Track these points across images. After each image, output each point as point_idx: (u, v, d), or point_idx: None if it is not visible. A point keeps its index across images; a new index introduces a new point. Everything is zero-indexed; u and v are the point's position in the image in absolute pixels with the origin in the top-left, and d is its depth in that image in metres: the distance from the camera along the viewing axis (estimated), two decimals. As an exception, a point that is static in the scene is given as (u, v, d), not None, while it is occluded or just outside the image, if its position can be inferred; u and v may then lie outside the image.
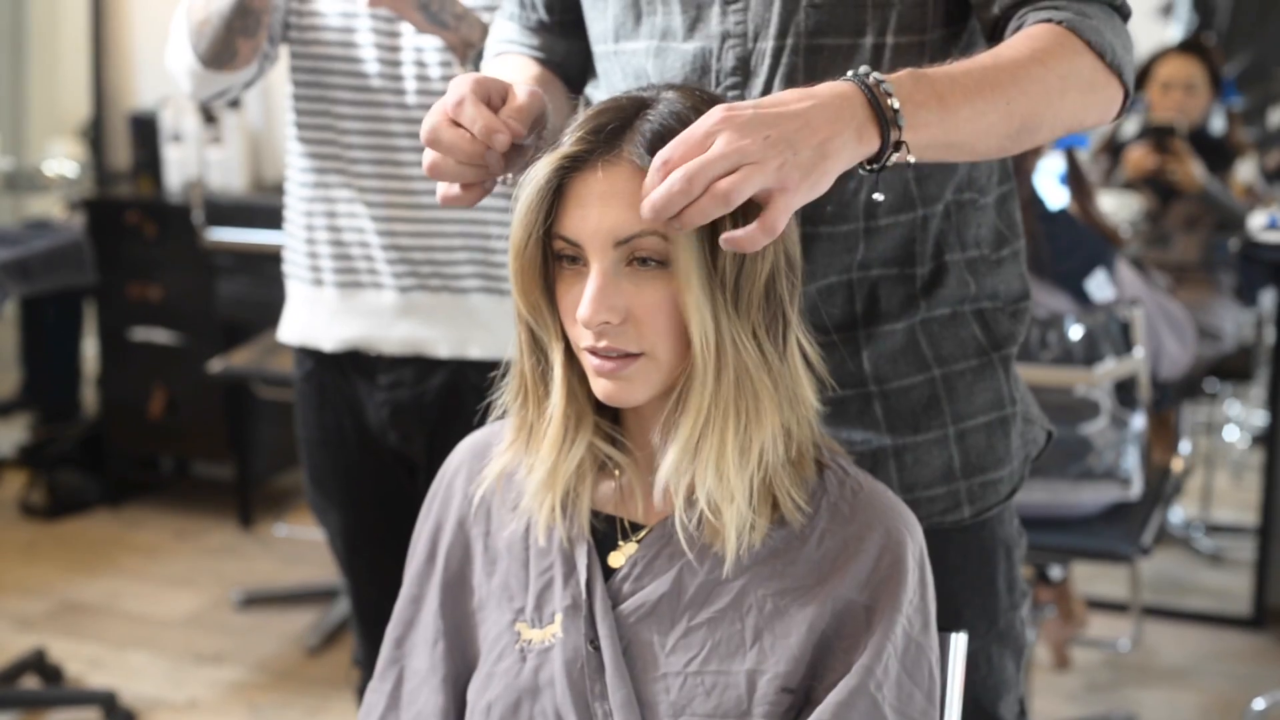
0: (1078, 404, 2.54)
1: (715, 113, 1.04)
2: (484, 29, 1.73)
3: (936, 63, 1.28)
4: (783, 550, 1.19)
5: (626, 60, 1.37)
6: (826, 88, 1.09)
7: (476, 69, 1.73)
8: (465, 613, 1.30)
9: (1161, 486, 2.69)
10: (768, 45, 1.29)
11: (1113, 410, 2.54)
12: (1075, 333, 2.58)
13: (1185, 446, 3.59)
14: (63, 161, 4.47)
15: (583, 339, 1.16)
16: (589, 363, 1.16)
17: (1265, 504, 3.40)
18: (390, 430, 1.92)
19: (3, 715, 2.94)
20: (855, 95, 1.08)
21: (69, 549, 3.93)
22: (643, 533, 1.23)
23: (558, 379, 1.20)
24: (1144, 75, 3.94)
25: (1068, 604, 3.05)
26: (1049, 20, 1.21)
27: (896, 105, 1.08)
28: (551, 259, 1.17)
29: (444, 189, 1.22)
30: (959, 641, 1.29)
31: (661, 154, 1.04)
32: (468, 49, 1.73)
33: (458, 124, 1.17)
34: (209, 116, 4.12)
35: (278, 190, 2.35)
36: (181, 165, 4.16)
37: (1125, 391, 2.62)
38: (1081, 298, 2.80)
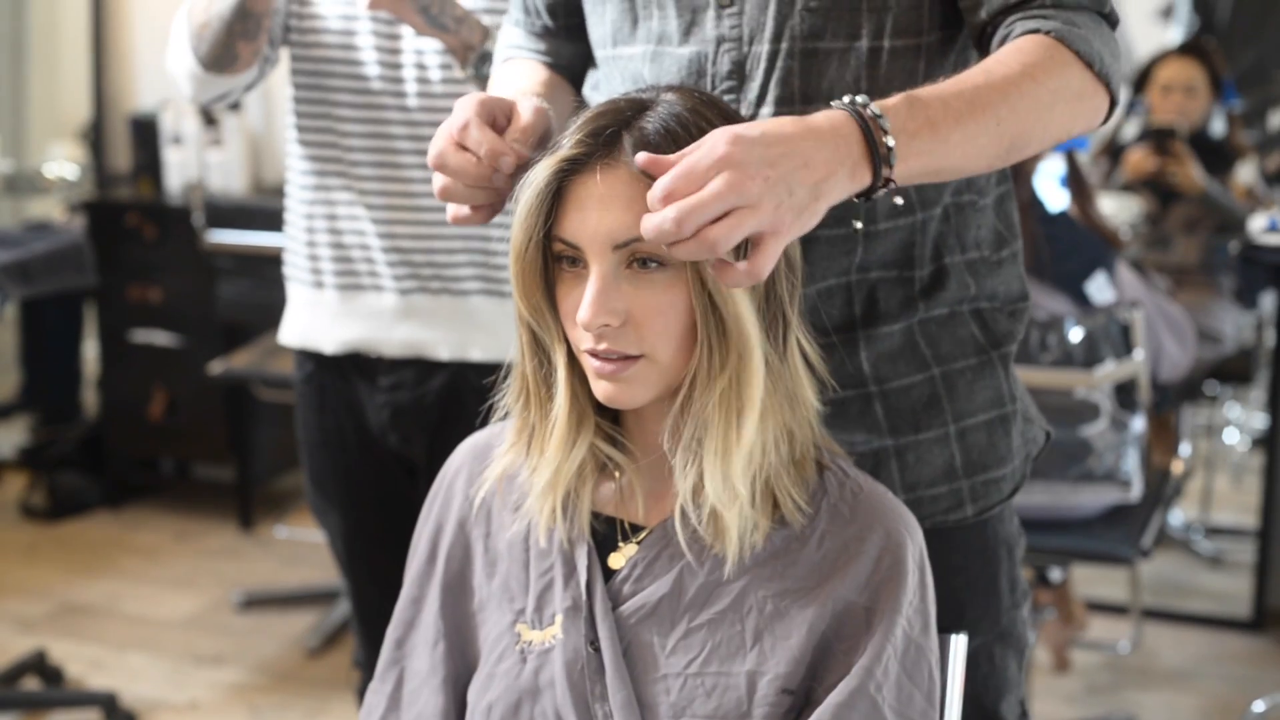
0: (1078, 406, 2.54)
1: (720, 144, 1.02)
2: (484, 32, 1.73)
3: (933, 65, 1.28)
4: (783, 552, 1.19)
5: (624, 65, 1.37)
6: (824, 119, 1.07)
7: (477, 72, 1.74)
8: (466, 614, 1.30)
9: (1161, 489, 2.69)
10: (763, 49, 1.29)
11: (1113, 412, 2.54)
12: (1075, 335, 2.59)
13: (1185, 449, 3.58)
14: (63, 164, 4.47)
15: (583, 341, 1.16)
16: (589, 365, 1.17)
17: (1265, 506, 3.40)
18: (391, 432, 1.92)
19: (3, 716, 2.94)
20: (851, 131, 1.07)
21: (69, 550, 3.93)
22: (643, 534, 1.23)
23: (561, 381, 1.20)
24: (1144, 78, 3.95)
25: (1067, 606, 3.05)
26: (1038, 30, 1.21)
27: (891, 144, 1.07)
28: (552, 261, 1.17)
29: (454, 210, 1.23)
30: (959, 643, 1.30)
31: (663, 182, 1.02)
32: (468, 51, 1.73)
33: (464, 148, 1.18)
34: (209, 119, 4.12)
35: (278, 192, 2.36)
36: (182, 167, 4.16)
37: (1125, 394, 2.62)
38: (1081, 300, 2.80)
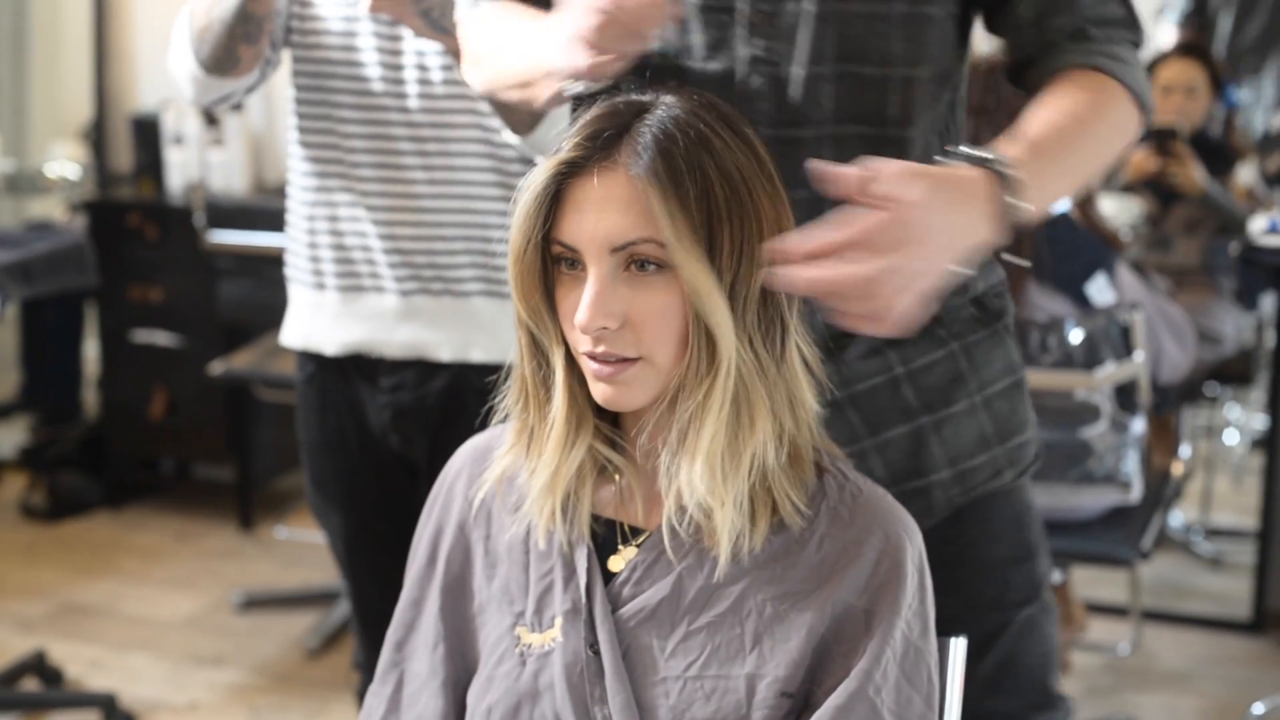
0: (1078, 408, 2.54)
1: (897, 223, 1.05)
2: None
3: (950, 91, 1.34)
4: (782, 554, 1.19)
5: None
6: (976, 186, 1.12)
7: None
8: (465, 616, 1.30)
9: (1161, 490, 2.69)
10: (800, 71, 1.30)
11: (1113, 414, 2.54)
12: (1075, 336, 2.59)
13: (1185, 450, 3.59)
14: (64, 163, 4.47)
15: (581, 344, 1.16)
16: (588, 367, 1.17)
17: (1265, 508, 3.39)
18: (392, 433, 1.92)
19: (3, 717, 2.94)
20: (991, 199, 1.13)
21: (69, 551, 3.93)
22: (642, 537, 1.23)
23: (559, 383, 1.20)
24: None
25: (1067, 608, 3.04)
26: (1090, 66, 1.28)
27: (1024, 209, 1.14)
28: (551, 264, 1.18)
29: (588, 59, 1.18)
30: (958, 646, 1.30)
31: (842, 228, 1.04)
32: None
33: None
34: (211, 119, 4.13)
35: (279, 192, 2.36)
36: (183, 167, 4.16)
37: (1125, 395, 2.62)
38: (1082, 301, 2.80)
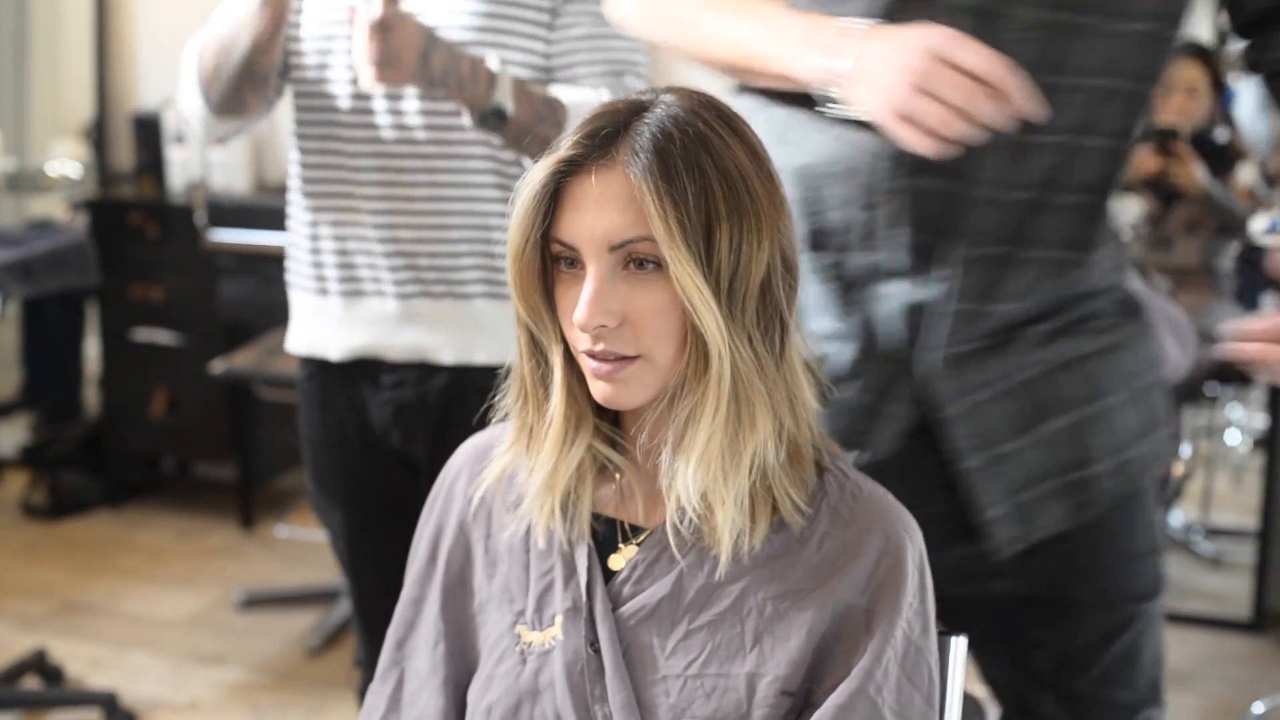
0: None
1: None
2: (490, 80, 1.71)
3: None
4: (782, 553, 1.19)
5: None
6: None
7: (485, 127, 1.73)
8: (466, 615, 1.30)
9: (1162, 490, 2.69)
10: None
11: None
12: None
13: (1186, 450, 3.59)
14: (65, 162, 4.47)
15: (580, 342, 1.16)
16: (587, 365, 1.17)
17: (1265, 507, 3.40)
18: (393, 430, 1.93)
19: (4, 716, 2.95)
20: None
21: (70, 549, 3.93)
22: (643, 535, 1.23)
23: (557, 381, 1.20)
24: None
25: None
26: None
27: None
28: (550, 262, 1.18)
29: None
30: (959, 645, 1.30)
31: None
32: (476, 105, 1.72)
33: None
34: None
35: (280, 192, 2.36)
36: (184, 166, 4.16)
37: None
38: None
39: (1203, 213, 3.73)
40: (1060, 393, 1.42)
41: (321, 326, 1.94)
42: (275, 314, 3.33)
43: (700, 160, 1.12)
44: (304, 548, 3.90)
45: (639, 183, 1.11)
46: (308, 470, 2.02)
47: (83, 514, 4.16)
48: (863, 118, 1.26)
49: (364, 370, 1.93)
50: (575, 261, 1.16)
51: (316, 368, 1.97)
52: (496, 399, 1.27)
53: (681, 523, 1.17)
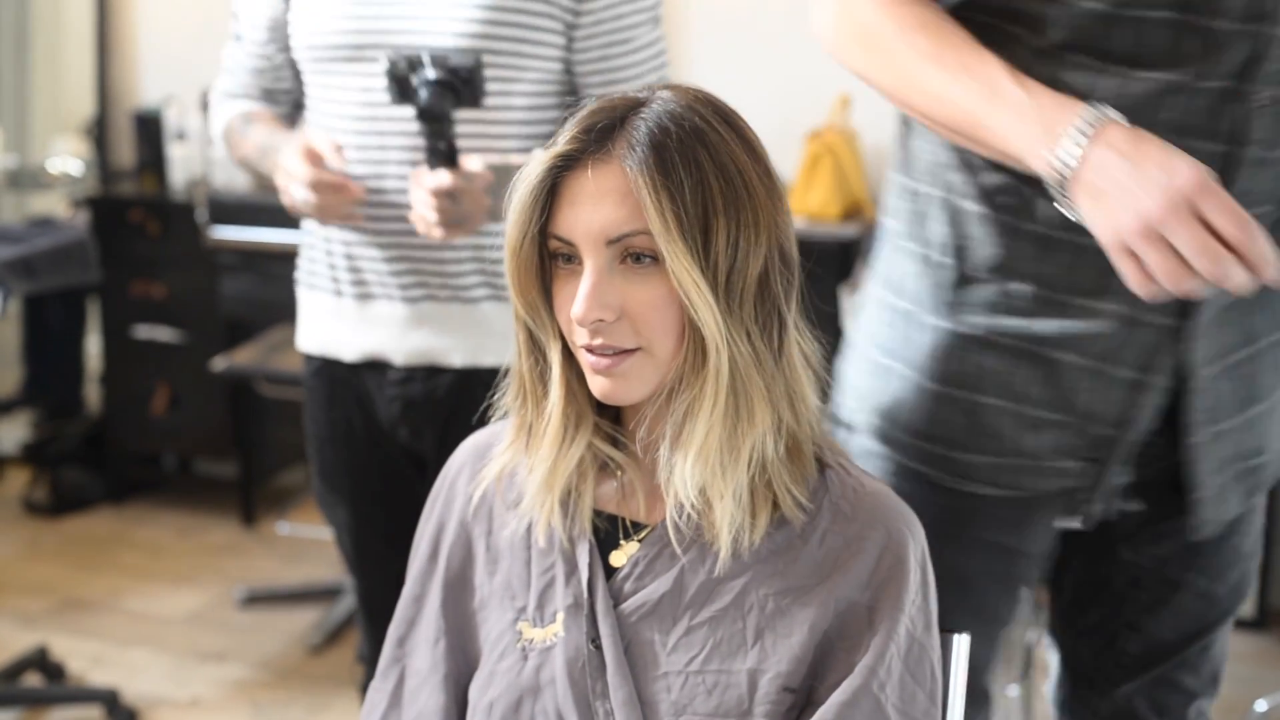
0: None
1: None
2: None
3: None
4: (784, 549, 1.19)
5: None
6: None
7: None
8: (467, 612, 1.30)
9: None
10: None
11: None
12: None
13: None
14: (67, 159, 4.47)
15: (578, 337, 1.16)
16: (586, 360, 1.17)
17: (1268, 506, 3.39)
18: (400, 426, 1.92)
19: (5, 713, 2.95)
20: None
21: (71, 546, 3.93)
22: (644, 532, 1.23)
23: (556, 378, 1.20)
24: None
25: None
26: None
27: None
28: (548, 259, 1.17)
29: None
30: (961, 642, 1.30)
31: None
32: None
33: None
34: (213, 115, 4.11)
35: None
36: (185, 163, 4.16)
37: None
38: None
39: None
40: (1264, 379, 1.41)
41: (336, 327, 1.94)
42: (277, 311, 3.32)
43: (697, 154, 1.12)
44: (305, 545, 3.90)
45: (635, 176, 1.11)
46: (313, 466, 2.02)
47: (84, 511, 4.16)
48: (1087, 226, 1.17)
49: (372, 367, 1.93)
50: (573, 257, 1.15)
51: (324, 364, 1.97)
52: (496, 398, 1.27)
53: (680, 518, 1.17)
